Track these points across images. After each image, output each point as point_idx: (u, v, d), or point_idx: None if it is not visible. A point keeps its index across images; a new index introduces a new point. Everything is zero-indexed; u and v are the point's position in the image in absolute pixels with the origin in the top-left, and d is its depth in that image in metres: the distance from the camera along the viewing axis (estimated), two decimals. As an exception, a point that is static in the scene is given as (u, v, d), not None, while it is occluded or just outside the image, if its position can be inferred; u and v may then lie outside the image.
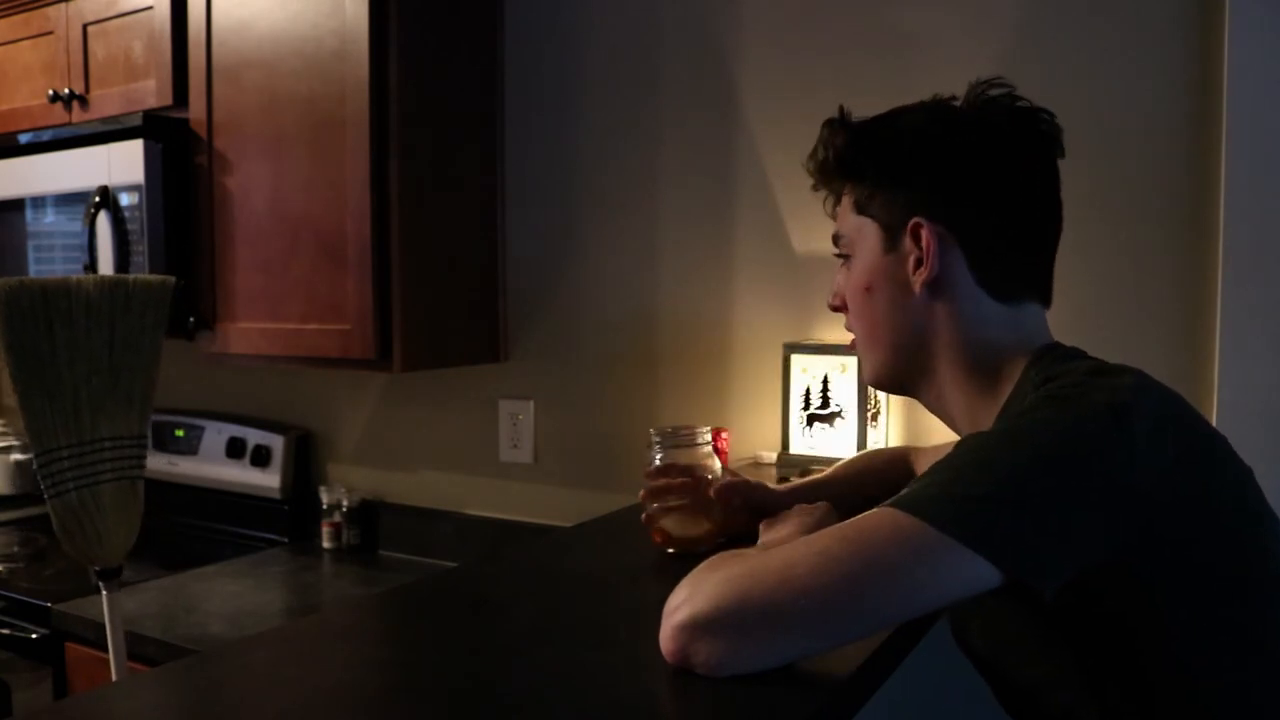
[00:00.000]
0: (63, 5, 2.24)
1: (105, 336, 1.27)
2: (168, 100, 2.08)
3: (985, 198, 0.94)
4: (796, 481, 1.35)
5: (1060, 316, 1.54)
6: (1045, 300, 0.99)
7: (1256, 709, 0.81)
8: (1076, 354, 0.96)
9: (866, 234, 0.99)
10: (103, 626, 1.75)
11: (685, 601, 0.80)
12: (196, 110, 2.04)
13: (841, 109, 1.03)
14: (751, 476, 1.30)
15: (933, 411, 1.03)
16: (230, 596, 1.94)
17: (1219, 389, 1.42)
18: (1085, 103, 1.54)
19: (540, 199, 2.05)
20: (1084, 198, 1.54)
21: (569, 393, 2.04)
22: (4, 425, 2.91)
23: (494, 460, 2.13)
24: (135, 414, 1.32)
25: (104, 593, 1.33)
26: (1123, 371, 0.87)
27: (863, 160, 0.99)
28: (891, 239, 0.96)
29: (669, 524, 1.20)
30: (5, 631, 1.92)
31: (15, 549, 2.33)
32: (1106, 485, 0.77)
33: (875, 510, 0.80)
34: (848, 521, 0.81)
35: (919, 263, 0.94)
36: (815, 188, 1.07)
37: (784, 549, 0.81)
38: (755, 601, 0.77)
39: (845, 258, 1.02)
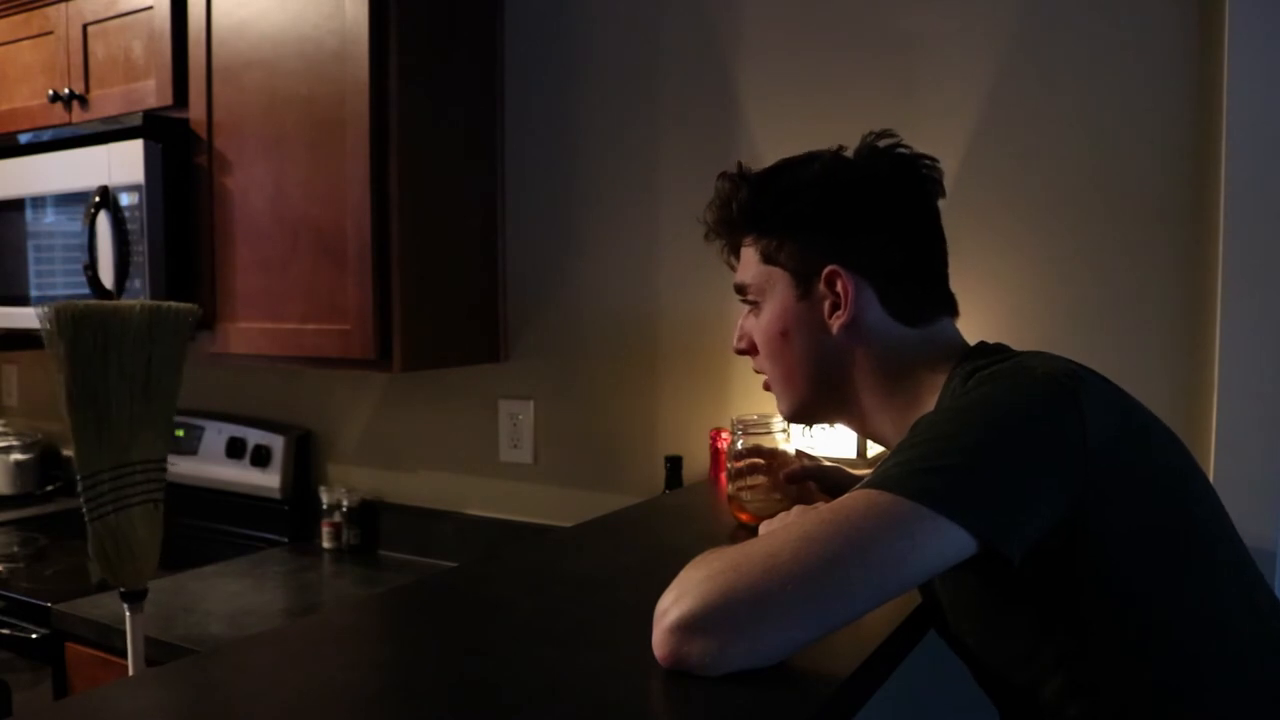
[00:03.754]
0: (63, 5, 2.24)
1: (145, 361, 1.29)
2: (168, 100, 2.08)
3: (886, 239, 1.02)
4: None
5: (1061, 318, 1.56)
6: (954, 312, 1.06)
7: (1206, 679, 0.84)
8: (1001, 349, 1.01)
9: (776, 282, 1.05)
10: (103, 626, 1.77)
11: (674, 603, 0.81)
12: (196, 110, 2.04)
13: (739, 164, 1.10)
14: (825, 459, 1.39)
15: (864, 435, 1.10)
16: (230, 596, 1.94)
17: (1219, 391, 1.42)
18: (1085, 104, 1.54)
19: (540, 199, 2.05)
20: (1084, 199, 1.55)
21: (569, 393, 2.04)
22: (4, 425, 2.91)
23: (494, 460, 2.13)
24: (162, 438, 1.33)
25: (128, 615, 1.34)
26: (1055, 355, 0.93)
27: (770, 212, 1.05)
28: (804, 286, 1.03)
29: (750, 503, 1.35)
30: (5, 631, 1.92)
31: (15, 549, 2.33)
32: (1060, 446, 0.82)
33: (850, 493, 0.83)
34: (826, 505, 0.83)
35: (834, 307, 1.01)
36: (709, 238, 1.13)
37: (765, 539, 0.82)
38: (742, 593, 0.78)
39: (753, 304, 1.08)
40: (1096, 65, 1.53)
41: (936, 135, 1.63)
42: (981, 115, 1.61)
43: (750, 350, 1.11)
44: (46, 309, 1.26)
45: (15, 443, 2.79)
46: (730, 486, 1.38)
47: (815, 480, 1.32)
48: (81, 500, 1.28)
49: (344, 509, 2.26)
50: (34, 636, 1.88)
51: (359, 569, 2.16)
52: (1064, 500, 0.81)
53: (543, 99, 2.04)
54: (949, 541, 0.78)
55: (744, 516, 1.36)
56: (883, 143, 1.04)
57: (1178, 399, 1.47)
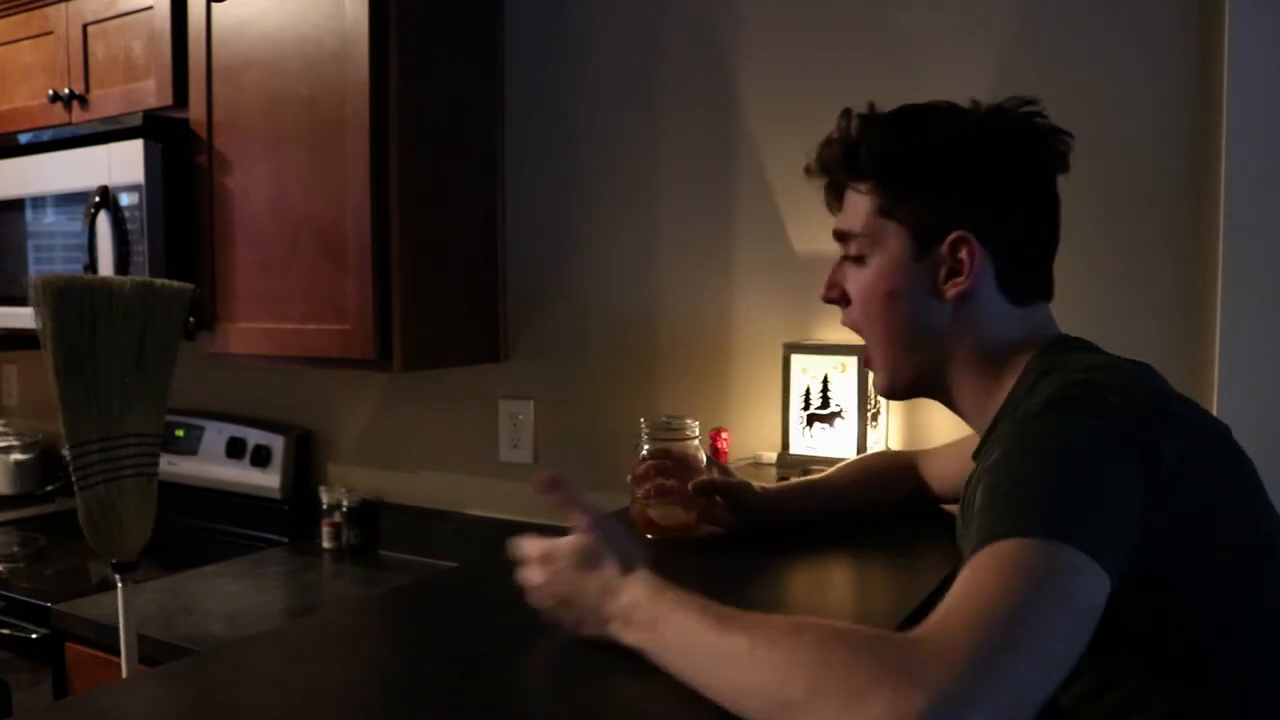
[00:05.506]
0: (63, 5, 2.24)
1: (137, 336, 1.32)
2: (168, 100, 2.07)
3: (1018, 213, 0.97)
4: (792, 481, 1.35)
5: (1062, 318, 1.55)
6: (1050, 296, 1.02)
7: (1268, 692, 0.81)
8: (1081, 345, 0.98)
9: (890, 237, 0.98)
10: (103, 626, 1.77)
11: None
12: (196, 110, 2.04)
13: (871, 104, 1.03)
14: (751, 477, 1.31)
15: (944, 403, 1.04)
16: (230, 596, 1.94)
17: (1219, 390, 1.42)
18: (1085, 103, 1.54)
19: (540, 199, 2.05)
20: (1085, 198, 1.54)
21: (569, 393, 2.04)
22: (4, 425, 2.91)
23: (494, 460, 2.13)
24: (155, 412, 1.35)
25: (119, 585, 1.35)
26: (1124, 366, 0.89)
27: (902, 165, 0.98)
28: (922, 246, 0.96)
29: (653, 511, 1.23)
30: (5, 631, 1.92)
31: (15, 549, 2.33)
32: (1139, 477, 0.77)
33: (1005, 545, 0.71)
34: (996, 567, 0.70)
35: (951, 273, 0.96)
36: (811, 173, 1.05)
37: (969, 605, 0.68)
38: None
39: (857, 257, 1.01)
40: (1096, 65, 1.53)
41: (936, 135, 1.62)
42: (981, 115, 1.61)
43: (841, 300, 1.03)
44: (33, 280, 1.27)
45: (15, 443, 2.79)
46: (632, 492, 1.25)
47: (722, 494, 1.24)
48: (71, 470, 1.29)
49: (344, 509, 2.26)
50: (34, 636, 1.88)
51: (359, 569, 2.16)
52: (1142, 531, 0.76)
53: (543, 99, 2.04)
54: (1099, 582, 0.71)
55: (640, 524, 1.24)
56: (1027, 109, 0.99)
57: (1178, 399, 1.47)
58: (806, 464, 1.62)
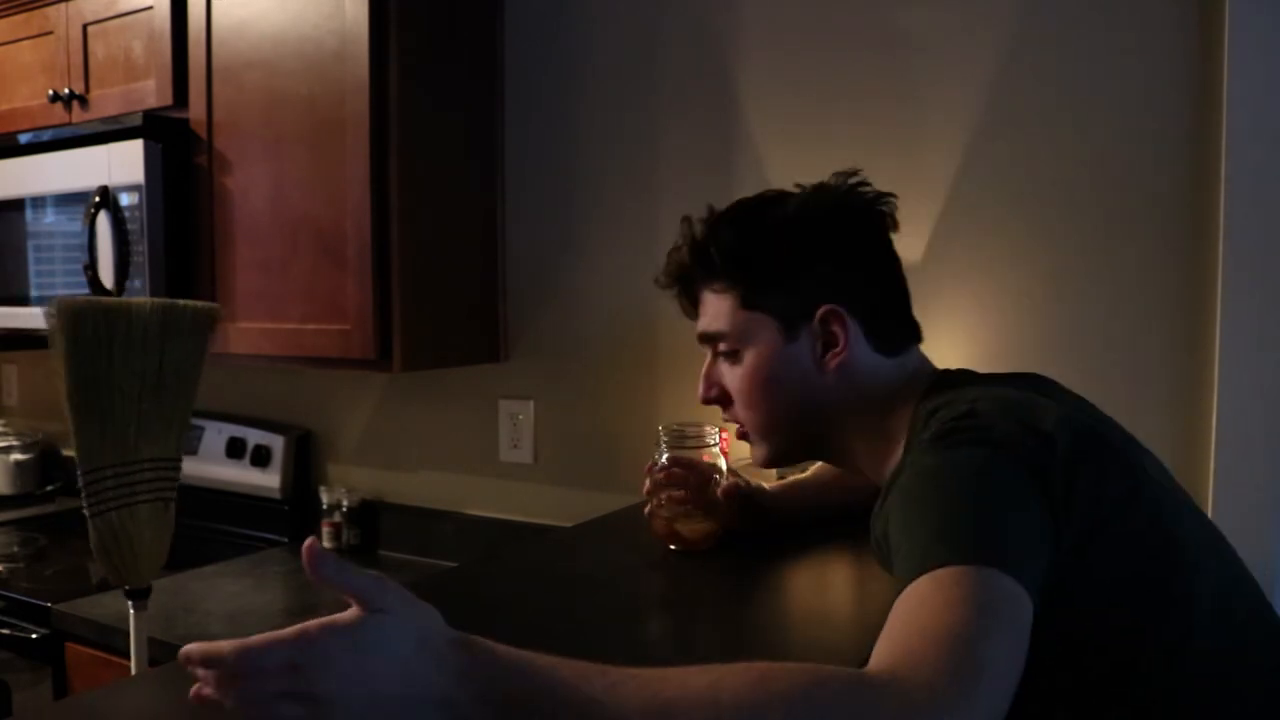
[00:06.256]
0: (63, 5, 2.24)
1: (156, 359, 1.28)
2: (168, 100, 2.07)
3: (870, 274, 1.03)
4: (785, 481, 1.36)
5: (1060, 319, 1.56)
6: (920, 338, 1.07)
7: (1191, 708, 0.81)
8: (961, 379, 1.01)
9: (759, 328, 1.03)
10: (103, 626, 1.77)
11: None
12: (196, 110, 2.04)
13: (710, 208, 1.09)
14: (751, 477, 1.31)
15: (832, 464, 1.11)
16: (230, 596, 1.94)
17: (1219, 390, 1.42)
18: (1085, 103, 1.54)
19: (540, 199, 2.05)
20: (1083, 199, 1.55)
21: (569, 393, 2.04)
22: (4, 425, 2.91)
23: (494, 460, 2.13)
24: (174, 436, 1.33)
25: (132, 612, 1.33)
26: (1001, 393, 0.89)
27: (755, 256, 1.03)
28: (791, 328, 1.02)
29: (673, 520, 1.21)
30: (5, 631, 1.92)
31: (15, 549, 2.33)
32: (1040, 497, 0.78)
33: (943, 572, 0.71)
34: (942, 595, 0.70)
35: (827, 346, 1.01)
36: (661, 283, 1.13)
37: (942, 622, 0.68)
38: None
39: (730, 353, 1.05)
40: (1096, 65, 1.53)
41: (936, 135, 1.63)
42: (981, 115, 1.61)
43: (721, 400, 1.09)
44: (51, 303, 1.25)
45: (15, 443, 2.79)
46: (651, 500, 1.22)
47: (746, 498, 1.24)
48: (82, 496, 1.27)
49: (344, 509, 2.26)
50: (34, 636, 1.88)
51: (359, 569, 2.15)
52: (1049, 552, 0.77)
53: (543, 99, 2.04)
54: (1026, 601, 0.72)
55: (661, 533, 1.22)
56: (851, 180, 1.05)
57: (1178, 399, 1.47)
58: (805, 465, 1.61)
